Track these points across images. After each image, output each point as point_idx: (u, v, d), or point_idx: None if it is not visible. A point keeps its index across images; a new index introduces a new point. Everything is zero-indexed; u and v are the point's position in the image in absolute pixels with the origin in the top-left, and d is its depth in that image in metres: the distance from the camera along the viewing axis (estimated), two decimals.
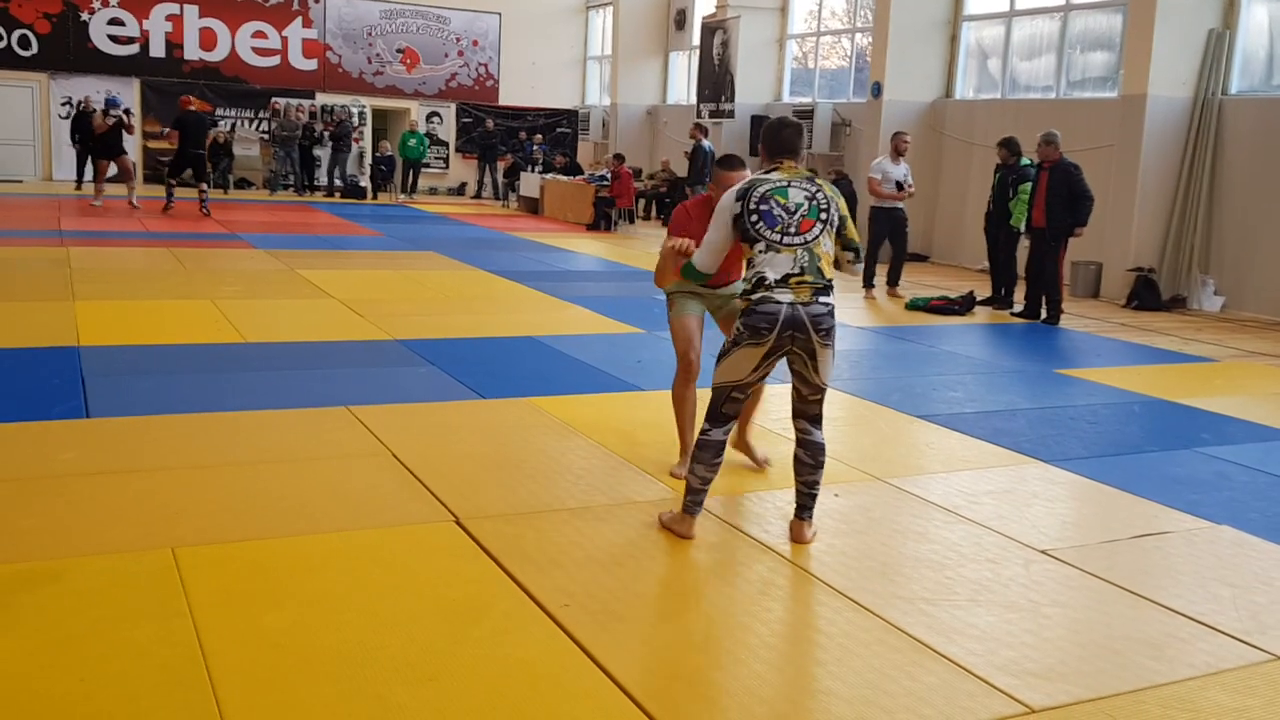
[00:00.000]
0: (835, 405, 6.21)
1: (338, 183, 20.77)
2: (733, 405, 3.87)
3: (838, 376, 6.97)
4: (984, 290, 10.68)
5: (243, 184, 20.85)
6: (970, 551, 3.94)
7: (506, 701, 2.75)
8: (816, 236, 3.78)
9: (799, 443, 3.97)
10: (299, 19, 21.82)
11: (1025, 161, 10.17)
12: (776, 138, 3.93)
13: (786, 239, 3.75)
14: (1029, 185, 9.91)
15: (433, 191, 23.07)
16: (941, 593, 3.55)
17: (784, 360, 3.85)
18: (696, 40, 19.86)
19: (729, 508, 4.26)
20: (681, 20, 21.16)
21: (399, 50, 22.75)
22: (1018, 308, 10.14)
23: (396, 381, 6.18)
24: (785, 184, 3.82)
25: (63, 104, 20.08)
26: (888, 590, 3.55)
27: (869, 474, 4.83)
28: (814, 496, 3.98)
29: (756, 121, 17.25)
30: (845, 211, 3.93)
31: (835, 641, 3.17)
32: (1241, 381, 7.57)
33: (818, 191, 3.84)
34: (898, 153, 10.76)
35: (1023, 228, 10.13)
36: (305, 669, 2.86)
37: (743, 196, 3.83)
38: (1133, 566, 3.90)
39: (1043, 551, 3.97)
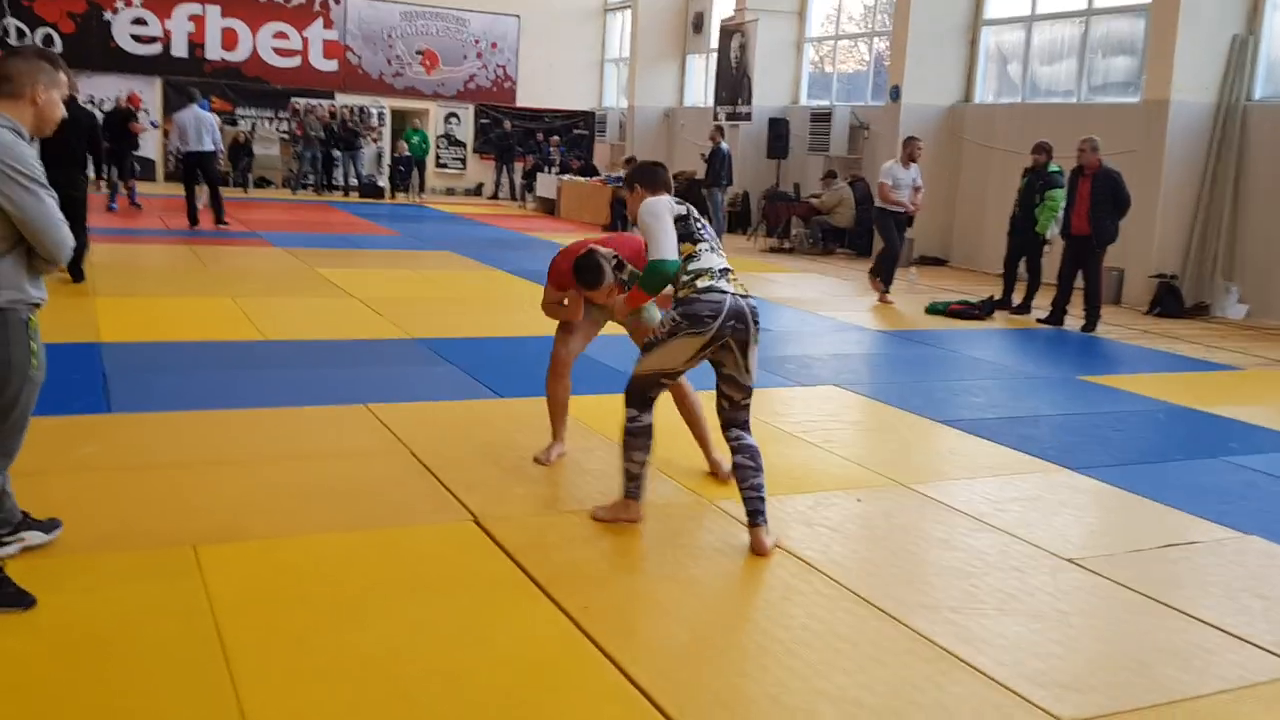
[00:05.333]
0: (856, 409, 6.18)
1: (352, 182, 20.84)
2: (659, 390, 3.97)
3: (858, 379, 6.93)
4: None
5: (262, 183, 20.93)
6: (996, 559, 3.89)
7: (527, 704, 2.73)
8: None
9: (736, 450, 3.90)
10: (320, 20, 21.88)
11: (1054, 169, 10.08)
12: (656, 178, 4.14)
13: (718, 246, 4.01)
14: (1057, 192, 9.81)
15: (450, 192, 23.12)
16: (968, 601, 3.51)
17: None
18: (714, 43, 19.81)
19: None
20: (699, 23, 21.12)
21: (418, 52, 22.78)
22: (1040, 313, 10.04)
23: (415, 380, 6.16)
24: (684, 206, 4.04)
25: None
26: (913, 598, 3.51)
27: (892, 479, 4.78)
28: (763, 500, 3.87)
29: (774, 124, 17.20)
30: None
31: (861, 650, 3.13)
32: (1267, 390, 7.49)
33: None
34: (910, 159, 10.59)
35: (1049, 235, 10.02)
36: (326, 669, 2.84)
37: (681, 202, 4.01)
38: (1161, 576, 3.84)
39: (1070, 560, 3.92)
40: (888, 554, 3.94)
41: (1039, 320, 9.92)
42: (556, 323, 4.83)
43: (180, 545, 3.57)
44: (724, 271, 3.88)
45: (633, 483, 4.00)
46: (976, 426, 5.78)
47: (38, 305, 3.19)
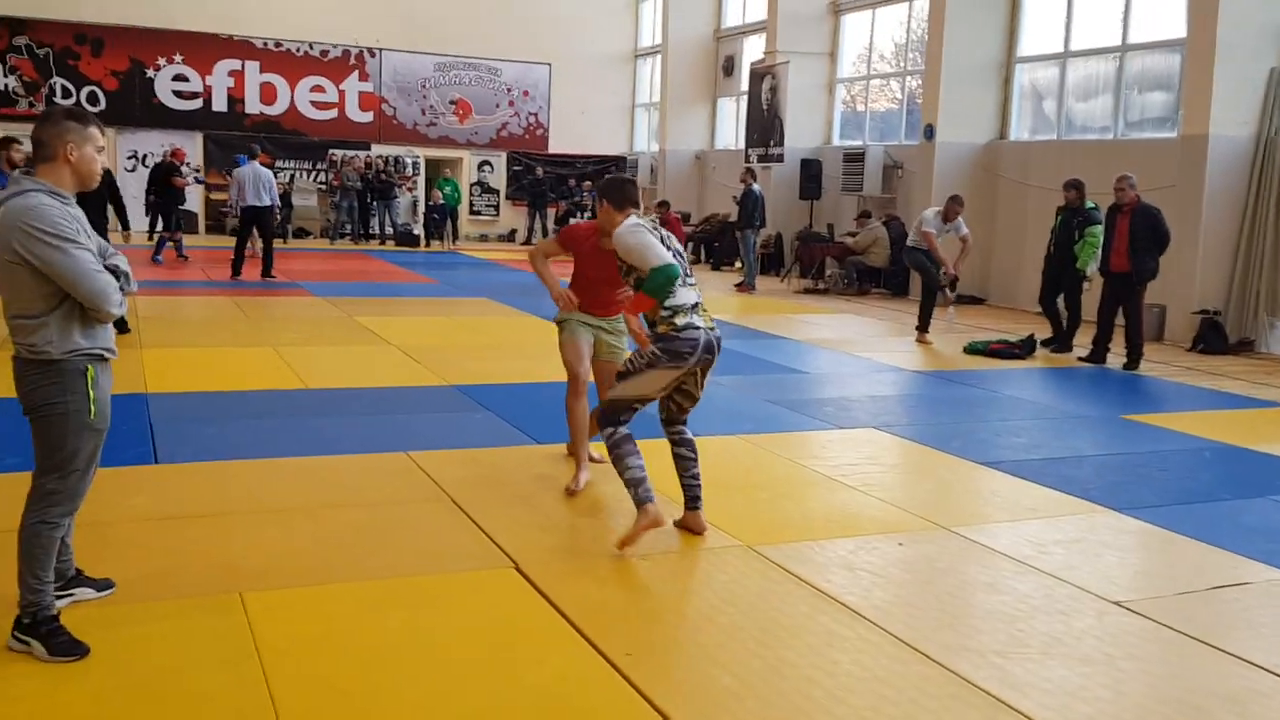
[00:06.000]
0: (895, 451, 6.14)
1: (388, 231, 21.20)
2: (630, 414, 4.22)
3: (896, 421, 6.90)
4: (1044, 332, 10.48)
5: (300, 233, 21.30)
6: (1041, 603, 3.85)
7: None
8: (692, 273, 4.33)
9: (677, 443, 4.33)
10: (355, 73, 22.38)
11: (1090, 205, 10.03)
12: (625, 194, 4.39)
13: (689, 275, 4.25)
14: (1096, 228, 9.74)
15: (483, 238, 23.40)
16: (1013, 645, 3.47)
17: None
18: (745, 86, 19.99)
19: (791, 557, 4.20)
20: (730, 66, 21.33)
21: (452, 102, 23.20)
22: (1081, 351, 9.94)
23: (454, 427, 6.22)
24: (656, 228, 4.24)
25: (128, 158, 20.71)
26: (957, 642, 3.47)
27: (933, 522, 4.75)
28: (700, 486, 4.34)
29: (807, 165, 17.29)
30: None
31: (905, 695, 3.10)
32: None
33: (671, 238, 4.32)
34: (945, 218, 10.51)
35: (1089, 272, 9.93)
36: (371, 715, 2.85)
37: (656, 226, 4.23)
38: (1210, 618, 3.78)
39: (1116, 603, 3.87)
40: (931, 598, 3.91)
41: (1080, 359, 9.82)
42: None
43: (228, 593, 3.62)
44: (695, 306, 4.17)
45: (640, 488, 4.13)
46: (1018, 468, 5.73)
47: (100, 356, 3.25)
